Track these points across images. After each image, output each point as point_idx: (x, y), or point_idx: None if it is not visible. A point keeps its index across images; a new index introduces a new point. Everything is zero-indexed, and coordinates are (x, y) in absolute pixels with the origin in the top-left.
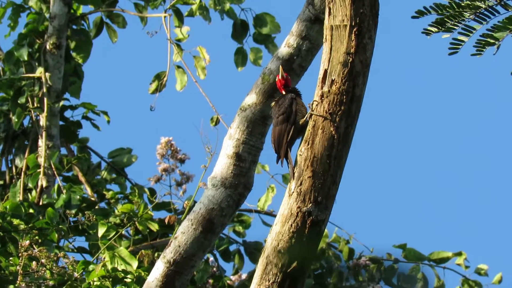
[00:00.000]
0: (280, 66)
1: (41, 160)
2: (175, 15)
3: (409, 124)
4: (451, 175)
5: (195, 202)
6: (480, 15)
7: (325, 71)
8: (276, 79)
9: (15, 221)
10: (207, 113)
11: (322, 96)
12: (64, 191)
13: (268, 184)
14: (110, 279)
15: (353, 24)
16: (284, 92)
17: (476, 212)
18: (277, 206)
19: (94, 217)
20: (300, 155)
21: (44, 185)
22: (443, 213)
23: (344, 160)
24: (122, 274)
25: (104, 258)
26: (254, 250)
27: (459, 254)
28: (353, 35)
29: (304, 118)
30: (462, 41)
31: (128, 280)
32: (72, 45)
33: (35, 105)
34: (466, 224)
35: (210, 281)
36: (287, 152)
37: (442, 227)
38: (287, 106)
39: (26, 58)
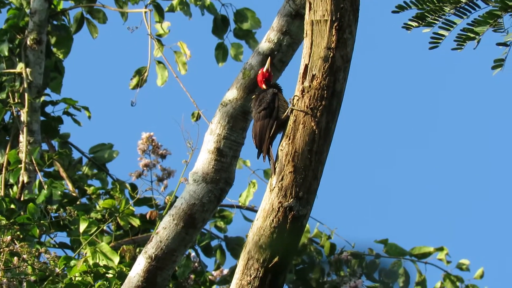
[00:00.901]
0: (269, 59)
1: (22, 156)
2: (155, 11)
3: (390, 118)
4: (432, 170)
5: (176, 197)
6: (461, 9)
7: (306, 66)
8: (259, 72)
9: None
10: (188, 108)
11: (303, 91)
12: (46, 186)
13: (250, 179)
14: (92, 275)
15: (333, 19)
16: (264, 87)
17: (458, 207)
18: (259, 201)
19: (76, 212)
20: (281, 150)
21: (25, 181)
22: (425, 208)
23: (325, 155)
24: (104, 270)
25: (86, 253)
26: (235, 245)
27: (440, 249)
28: (333, 30)
29: (285, 113)
30: (443, 35)
31: (110, 275)
32: (53, 40)
33: (16, 100)
34: (448, 219)
35: (192, 276)
36: (268, 148)
37: (424, 222)
38: (269, 101)
39: (6, 53)
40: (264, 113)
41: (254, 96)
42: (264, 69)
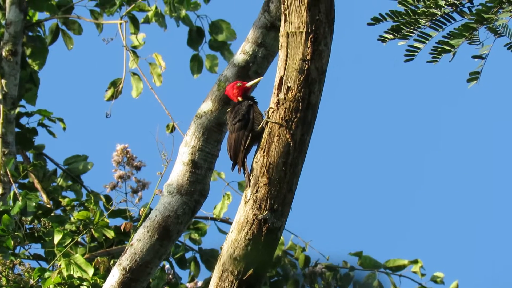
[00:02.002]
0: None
1: None
2: (131, 22)
3: (364, 130)
4: (406, 183)
5: (151, 209)
6: (436, 22)
7: (281, 78)
8: (233, 85)
9: None
10: (163, 120)
11: (278, 103)
12: (20, 198)
13: (224, 191)
14: (66, 286)
15: (309, 31)
16: (240, 99)
17: (432, 220)
18: (233, 213)
19: (50, 224)
20: (256, 162)
21: (0, 192)
22: (399, 220)
23: (300, 167)
24: (78, 281)
25: (60, 265)
26: (210, 257)
27: (415, 262)
28: (309, 42)
29: (260, 125)
30: (418, 48)
31: (84, 287)
32: (28, 51)
33: None
34: (422, 232)
35: None
36: (243, 160)
37: (398, 234)
38: (244, 113)
39: None
40: (239, 124)
41: (229, 109)
42: (248, 84)
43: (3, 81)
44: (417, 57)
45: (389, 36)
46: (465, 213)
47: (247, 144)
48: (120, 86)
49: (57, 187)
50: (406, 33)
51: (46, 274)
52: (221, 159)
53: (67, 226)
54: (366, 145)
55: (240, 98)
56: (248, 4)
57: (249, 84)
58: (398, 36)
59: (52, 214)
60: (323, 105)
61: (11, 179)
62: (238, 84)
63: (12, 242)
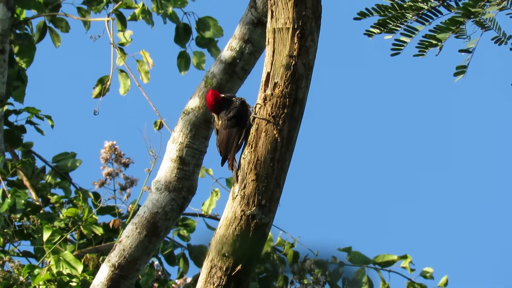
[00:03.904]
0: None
1: None
2: (118, 19)
3: (353, 125)
4: (395, 177)
5: (139, 206)
6: (423, 16)
7: (268, 74)
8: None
9: None
10: (150, 117)
11: (265, 99)
12: (9, 195)
13: (212, 188)
14: (56, 283)
15: (295, 26)
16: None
17: (421, 215)
18: (221, 209)
19: (39, 221)
20: (243, 158)
21: None
22: (388, 216)
23: (288, 163)
24: (67, 278)
25: (49, 262)
26: (198, 253)
27: (404, 257)
28: (295, 37)
29: (247, 121)
30: (405, 42)
31: (74, 284)
32: (16, 49)
33: None
34: (411, 227)
35: (155, 285)
36: (234, 156)
37: (387, 230)
38: (238, 109)
39: None
40: (233, 121)
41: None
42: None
43: None
44: (404, 51)
45: (376, 31)
46: (454, 208)
47: (240, 141)
48: (108, 83)
49: (45, 184)
50: (393, 27)
51: (36, 271)
52: (209, 156)
53: (56, 223)
54: (354, 141)
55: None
56: (234, 0)
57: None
58: (385, 30)
59: (41, 212)
60: (310, 101)
61: (0, 177)
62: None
63: (1, 240)
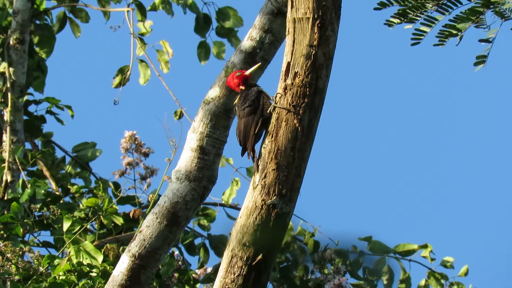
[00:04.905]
0: (258, 64)
1: (5, 155)
2: (138, 9)
3: (372, 115)
4: (415, 167)
5: (159, 195)
6: (443, 6)
7: (288, 63)
8: (234, 74)
9: None
10: (170, 106)
11: (285, 88)
12: (29, 185)
13: (232, 177)
14: (76, 273)
15: (315, 16)
16: (242, 88)
17: (442, 204)
18: (242, 199)
19: (59, 211)
20: (264, 148)
21: (8, 180)
22: (409, 205)
23: (308, 153)
24: (88, 268)
25: (69, 252)
26: (219, 243)
27: (424, 246)
28: (315, 27)
29: (268, 111)
30: (425, 31)
31: (94, 274)
32: (36, 40)
33: None
34: (432, 216)
35: (176, 274)
36: (253, 145)
37: (408, 219)
38: (254, 98)
39: None
40: (248, 110)
41: (238, 96)
42: (248, 72)
43: (11, 69)
44: (424, 41)
45: (396, 21)
46: (475, 196)
47: (257, 130)
48: (128, 73)
49: (65, 174)
50: (413, 17)
51: (56, 261)
52: (229, 145)
53: (76, 213)
54: (374, 130)
55: (242, 87)
56: None
57: (248, 71)
58: (405, 20)
59: (61, 202)
60: (330, 90)
61: (19, 167)
62: (237, 74)
63: (22, 230)
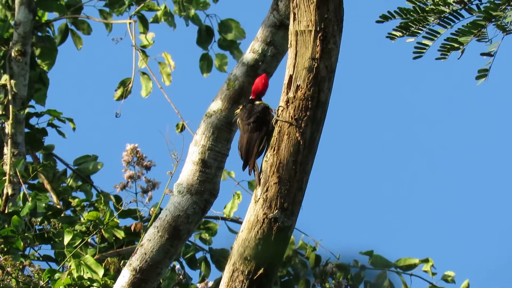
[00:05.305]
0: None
1: (6, 168)
2: (140, 22)
3: (375, 128)
4: (416, 181)
5: (161, 209)
6: (445, 19)
7: (290, 76)
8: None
9: None
10: (172, 119)
11: (287, 101)
12: (30, 198)
13: (234, 190)
14: (76, 287)
15: (318, 29)
16: (252, 97)
17: (443, 219)
18: (243, 212)
19: (60, 225)
20: (266, 161)
21: (9, 193)
22: (410, 219)
23: (310, 166)
24: (88, 282)
25: (70, 266)
26: (220, 257)
27: (426, 260)
28: (318, 40)
29: (270, 124)
30: (427, 45)
31: None
32: (37, 52)
33: (0, 112)
34: (433, 231)
35: None
36: (255, 161)
37: (409, 233)
38: (260, 115)
39: None
40: (253, 126)
41: (240, 107)
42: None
43: (12, 81)
44: (426, 54)
45: (398, 34)
46: (477, 211)
47: (261, 147)
48: (130, 85)
49: (67, 187)
50: (415, 30)
51: (56, 275)
52: (231, 158)
53: (77, 226)
54: (376, 144)
55: (253, 97)
56: (257, 3)
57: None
58: (407, 33)
59: (62, 215)
60: (332, 103)
61: (20, 180)
62: (265, 82)
63: (22, 243)
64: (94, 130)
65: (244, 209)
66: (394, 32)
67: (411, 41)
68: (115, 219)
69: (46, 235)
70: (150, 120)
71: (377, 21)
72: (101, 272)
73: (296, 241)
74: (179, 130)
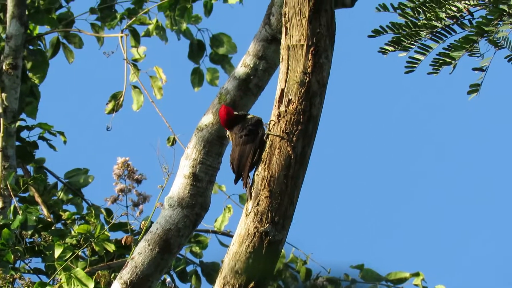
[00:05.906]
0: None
1: None
2: (131, 35)
3: (366, 143)
4: (407, 195)
5: (152, 222)
6: (437, 34)
7: (282, 90)
8: (220, 115)
9: None
10: (163, 133)
11: (279, 116)
12: (20, 211)
13: (225, 204)
14: None
15: (309, 43)
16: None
17: (433, 232)
18: (234, 226)
19: (51, 238)
20: (257, 175)
21: (0, 206)
22: (401, 233)
23: (301, 180)
24: None
25: (61, 279)
26: (211, 270)
27: (416, 274)
28: (309, 54)
29: (261, 138)
30: (419, 59)
31: None
32: (29, 65)
33: None
34: (424, 244)
35: None
36: (247, 174)
37: (400, 247)
38: (253, 128)
39: None
40: (245, 138)
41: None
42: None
43: (3, 94)
44: (418, 69)
45: (390, 48)
46: (468, 225)
47: (254, 160)
48: (121, 99)
49: (57, 200)
50: (407, 45)
51: None
52: (222, 172)
53: (67, 240)
54: (367, 159)
55: (226, 128)
56: (249, 17)
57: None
58: (399, 48)
59: (53, 228)
60: (324, 117)
61: (11, 193)
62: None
63: (12, 256)
64: (85, 144)
65: (235, 222)
66: (386, 47)
67: (403, 55)
68: (105, 232)
69: (36, 248)
70: (141, 133)
71: (369, 36)
72: (91, 285)
73: (287, 255)
74: (170, 143)
